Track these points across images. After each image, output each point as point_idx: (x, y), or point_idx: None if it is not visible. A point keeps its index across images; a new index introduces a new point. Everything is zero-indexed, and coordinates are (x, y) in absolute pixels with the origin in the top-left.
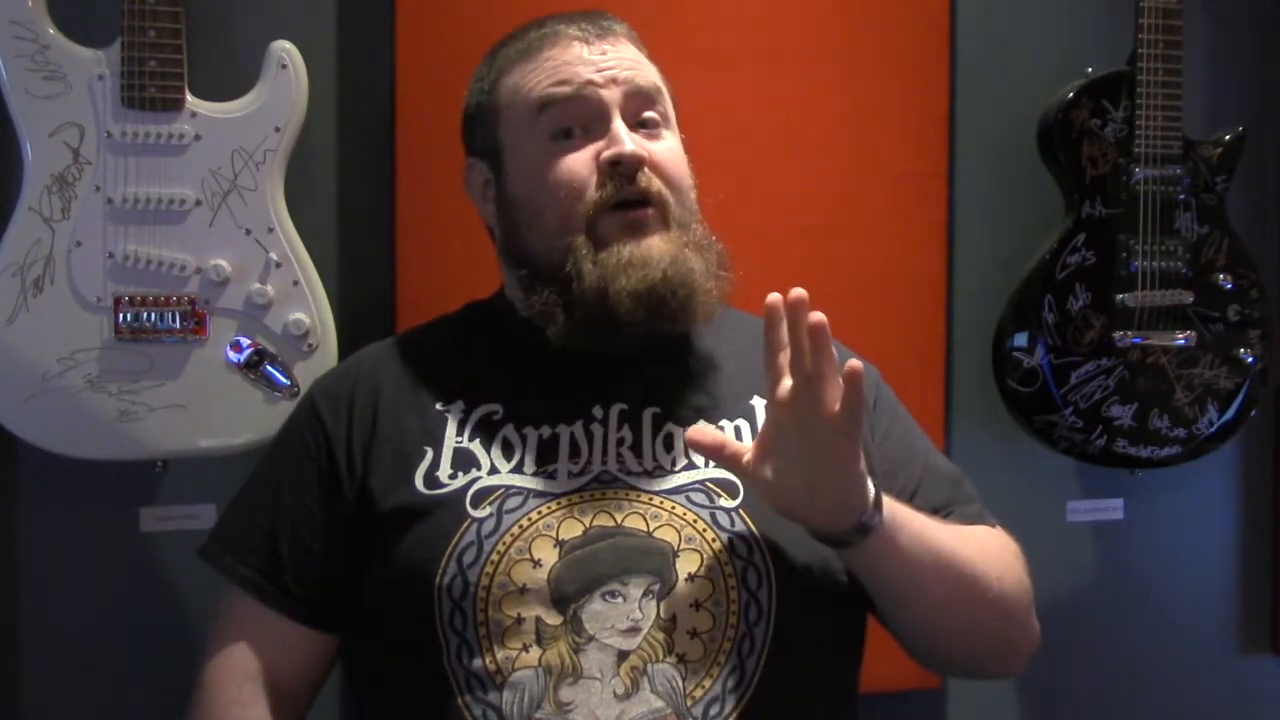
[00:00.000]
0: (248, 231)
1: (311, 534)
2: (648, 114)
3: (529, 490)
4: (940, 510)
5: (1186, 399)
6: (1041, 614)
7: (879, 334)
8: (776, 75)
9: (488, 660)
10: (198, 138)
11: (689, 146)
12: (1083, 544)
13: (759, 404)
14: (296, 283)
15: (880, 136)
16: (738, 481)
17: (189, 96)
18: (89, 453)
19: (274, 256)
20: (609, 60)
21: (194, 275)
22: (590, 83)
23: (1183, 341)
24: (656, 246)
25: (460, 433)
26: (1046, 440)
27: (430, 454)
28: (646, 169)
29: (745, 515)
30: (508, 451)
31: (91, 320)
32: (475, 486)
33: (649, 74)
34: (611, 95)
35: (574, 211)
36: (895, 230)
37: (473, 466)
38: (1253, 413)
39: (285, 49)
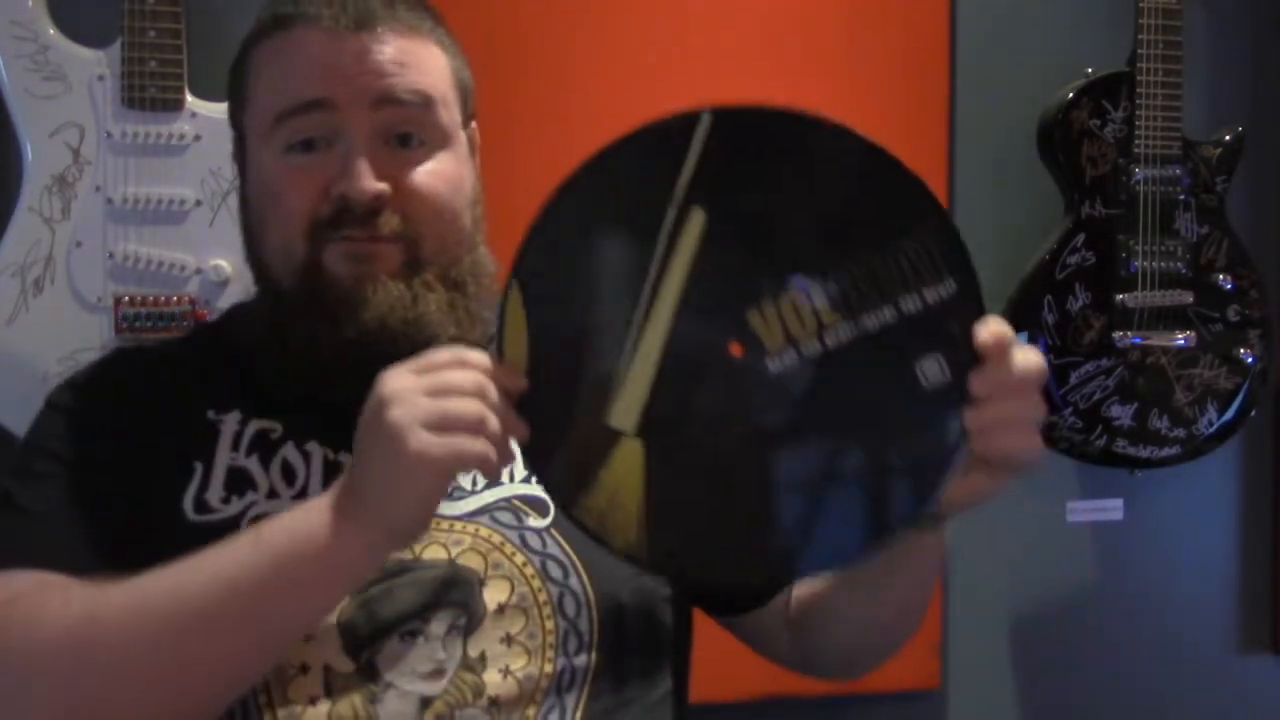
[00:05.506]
0: None
1: None
2: (407, 131)
3: None
4: None
5: (1186, 399)
6: (1041, 614)
7: None
8: (776, 76)
9: (266, 717)
10: (198, 138)
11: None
12: (1082, 544)
13: None
14: None
15: (880, 136)
16: (547, 499)
17: (189, 96)
18: None
19: None
20: (362, 64)
21: (194, 275)
22: (330, 94)
23: (1182, 342)
24: (384, 291)
25: (235, 448)
26: (1046, 440)
27: (200, 472)
28: (388, 208)
29: (558, 535)
30: (289, 474)
31: (91, 320)
32: (252, 512)
33: (413, 80)
34: (355, 112)
35: (295, 240)
36: None
37: (249, 489)
38: (1253, 413)
39: None
